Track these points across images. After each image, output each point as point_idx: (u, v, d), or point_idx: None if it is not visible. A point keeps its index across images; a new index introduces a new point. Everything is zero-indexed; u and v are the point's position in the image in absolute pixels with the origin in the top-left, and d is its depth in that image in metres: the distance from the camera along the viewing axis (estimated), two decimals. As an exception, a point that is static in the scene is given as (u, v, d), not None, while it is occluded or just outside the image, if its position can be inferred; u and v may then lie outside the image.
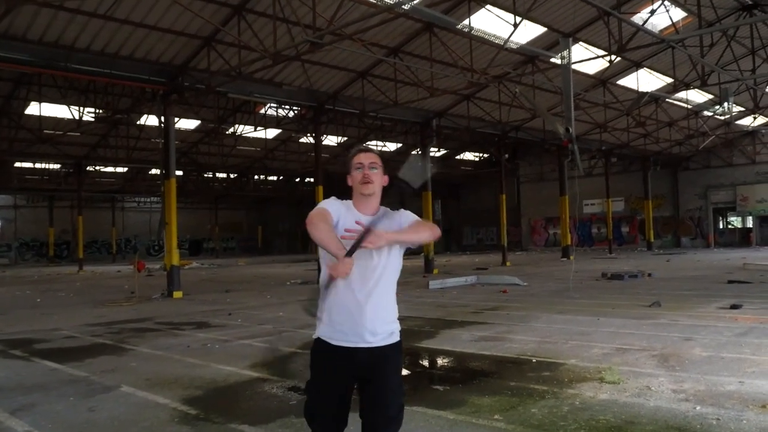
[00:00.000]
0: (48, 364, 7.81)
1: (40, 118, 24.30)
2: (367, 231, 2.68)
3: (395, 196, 45.15)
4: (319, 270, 3.14)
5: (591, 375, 6.22)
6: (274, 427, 4.94)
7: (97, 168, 37.65)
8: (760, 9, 19.74)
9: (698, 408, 4.99)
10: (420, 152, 26.89)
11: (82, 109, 23.25)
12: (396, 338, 3.03)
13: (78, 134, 27.35)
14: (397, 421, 2.96)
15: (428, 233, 3.00)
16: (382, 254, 2.94)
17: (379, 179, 3.02)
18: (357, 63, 20.35)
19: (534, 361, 7.04)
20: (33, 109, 24.07)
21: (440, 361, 7.58)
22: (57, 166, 36.99)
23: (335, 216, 2.91)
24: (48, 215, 46.74)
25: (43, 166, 36.95)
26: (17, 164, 35.49)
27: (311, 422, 3.02)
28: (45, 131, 25.80)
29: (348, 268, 2.70)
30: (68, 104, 22.81)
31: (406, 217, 3.07)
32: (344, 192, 3.13)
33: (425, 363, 7.66)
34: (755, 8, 19.80)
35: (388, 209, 3.09)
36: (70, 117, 23.92)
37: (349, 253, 2.68)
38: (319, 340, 3.01)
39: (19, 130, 25.73)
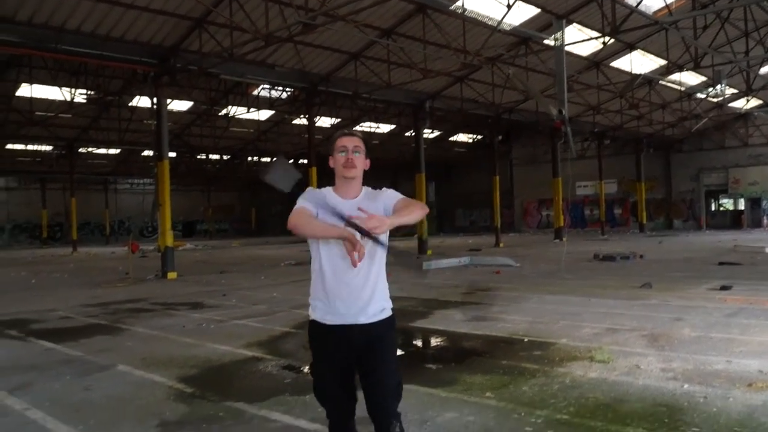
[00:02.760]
0: (44, 344, 7.85)
1: (31, 100, 24.10)
2: (370, 218, 2.74)
3: (388, 177, 45.44)
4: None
5: (581, 354, 6.31)
6: (268, 404, 5.01)
7: (89, 150, 37.42)
8: (753, -9, 19.70)
9: (686, 386, 5.08)
10: (414, 134, 26.80)
11: (73, 90, 23.15)
12: (388, 314, 3.11)
13: (69, 116, 27.15)
14: (397, 395, 3.07)
15: (420, 212, 3.02)
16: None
17: (361, 163, 3.08)
18: (350, 44, 20.26)
19: (525, 340, 7.13)
20: (24, 90, 23.88)
21: (433, 341, 7.66)
22: (49, 148, 36.69)
23: (313, 211, 2.96)
24: (41, 197, 46.54)
25: (34, 148, 36.64)
26: (8, 146, 35.26)
27: (323, 403, 3.17)
28: (36, 113, 25.65)
29: (361, 245, 2.84)
30: (59, 86, 22.68)
31: (390, 196, 3.09)
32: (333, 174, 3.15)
33: (418, 342, 7.74)
34: (749, -10, 19.77)
35: (370, 189, 3.15)
36: (62, 99, 23.83)
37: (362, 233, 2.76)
38: (314, 322, 3.11)
39: (10, 112, 25.61)
